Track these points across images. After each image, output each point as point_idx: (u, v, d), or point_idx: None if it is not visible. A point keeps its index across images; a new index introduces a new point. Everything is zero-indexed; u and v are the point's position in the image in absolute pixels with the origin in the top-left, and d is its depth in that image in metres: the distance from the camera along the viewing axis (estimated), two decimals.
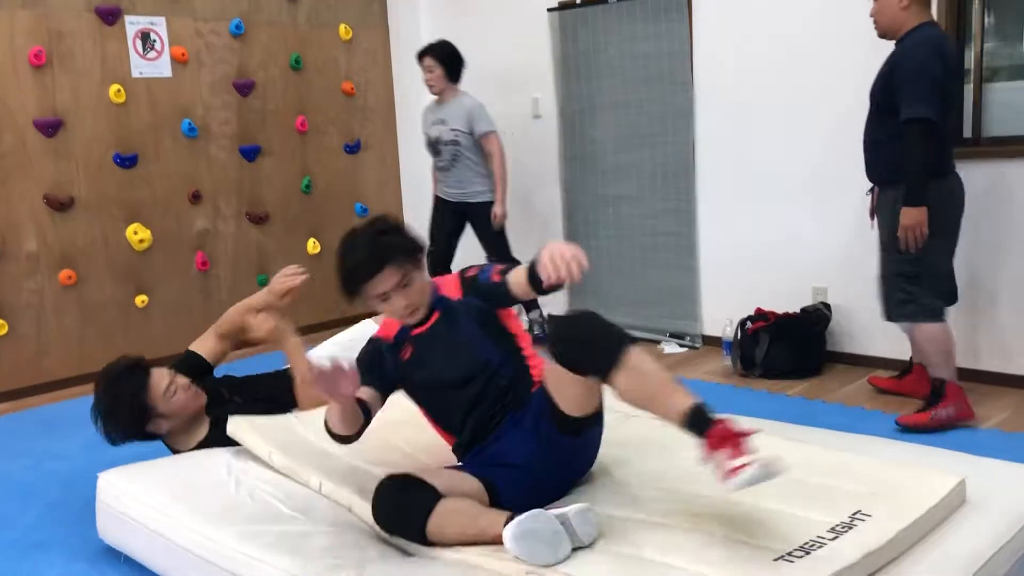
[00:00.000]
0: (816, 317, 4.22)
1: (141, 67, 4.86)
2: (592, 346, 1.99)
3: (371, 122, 5.94)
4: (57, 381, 4.62)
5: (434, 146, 4.80)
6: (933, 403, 3.39)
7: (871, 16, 3.39)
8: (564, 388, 2.10)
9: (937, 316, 3.38)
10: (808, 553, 1.80)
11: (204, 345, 3.11)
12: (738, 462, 1.78)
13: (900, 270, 3.38)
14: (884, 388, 3.82)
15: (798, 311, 4.29)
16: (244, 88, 5.27)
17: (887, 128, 3.32)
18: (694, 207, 4.73)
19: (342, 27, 5.70)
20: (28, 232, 4.52)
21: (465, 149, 4.68)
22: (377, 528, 2.17)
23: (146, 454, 2.81)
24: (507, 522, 1.93)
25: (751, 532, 1.92)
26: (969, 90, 3.85)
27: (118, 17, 4.75)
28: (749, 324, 4.26)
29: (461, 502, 2.06)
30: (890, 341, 4.11)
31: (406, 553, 2.11)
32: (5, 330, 4.46)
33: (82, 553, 2.67)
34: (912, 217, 3.22)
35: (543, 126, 5.38)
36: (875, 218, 3.53)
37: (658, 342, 4.91)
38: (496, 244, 4.84)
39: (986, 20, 3.79)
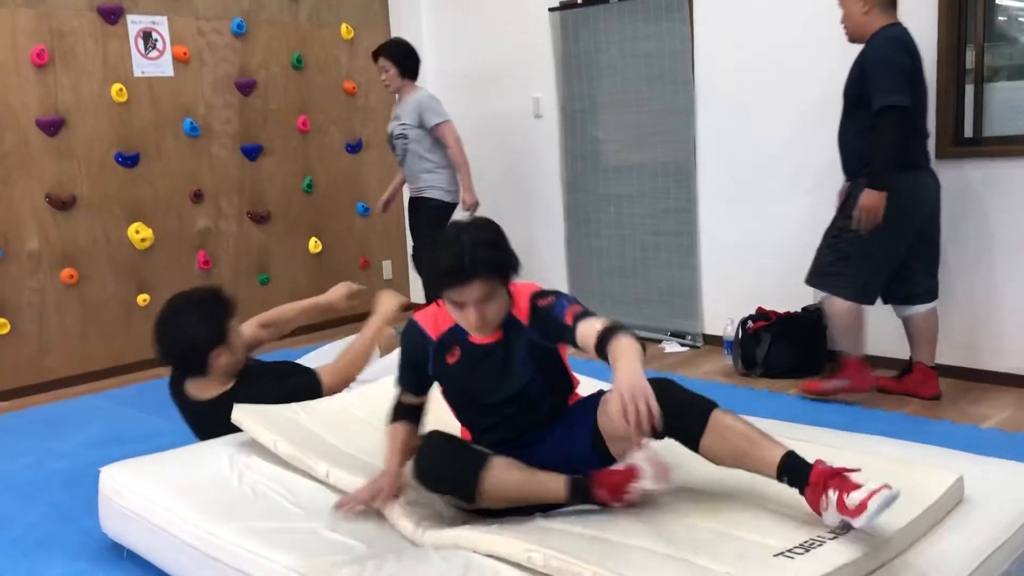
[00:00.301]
0: (817, 316, 4.21)
1: (143, 66, 4.86)
2: (676, 415, 1.98)
3: (372, 121, 5.94)
4: (59, 380, 4.63)
5: (390, 142, 4.81)
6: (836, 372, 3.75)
7: (841, 23, 3.55)
8: (621, 438, 2.07)
9: (853, 296, 3.55)
10: (808, 551, 1.80)
11: (243, 330, 3.25)
12: (860, 495, 1.79)
13: (836, 245, 3.56)
14: (884, 388, 3.83)
15: (799, 310, 4.29)
16: (246, 87, 5.27)
17: (858, 123, 3.48)
18: (695, 206, 4.73)
19: (344, 26, 5.71)
20: (30, 231, 4.53)
21: (413, 143, 4.65)
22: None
23: (149, 452, 2.82)
24: (566, 484, 2.07)
25: (752, 529, 1.93)
26: (970, 90, 3.85)
27: (120, 16, 4.76)
28: (750, 323, 4.27)
29: (512, 460, 2.13)
30: (890, 340, 4.12)
31: (411, 544, 2.11)
32: (7, 329, 4.47)
33: (84, 551, 2.67)
34: (871, 199, 3.35)
35: (544, 125, 5.38)
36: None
37: (659, 341, 4.92)
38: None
39: (986, 19, 3.79)
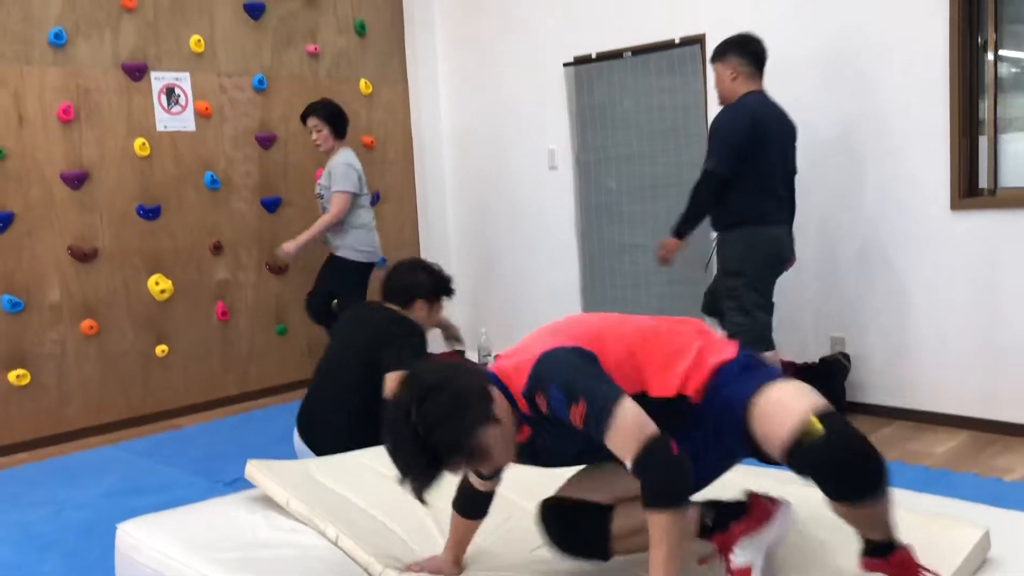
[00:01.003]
0: (835, 367, 4.20)
1: (165, 121, 4.96)
2: (844, 475, 1.66)
3: (390, 174, 6.02)
4: (77, 430, 4.65)
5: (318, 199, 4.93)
6: None
7: (714, 87, 3.85)
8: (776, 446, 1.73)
9: (764, 347, 3.75)
10: None
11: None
12: None
13: (735, 303, 3.80)
14: None
15: (816, 361, 4.27)
16: (266, 141, 5.36)
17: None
18: (709, 257, 4.74)
19: (362, 82, 5.81)
20: (52, 283, 4.59)
21: (327, 202, 4.75)
22: None
23: (166, 504, 2.82)
24: (702, 520, 1.86)
25: None
26: (984, 141, 3.88)
27: (144, 73, 4.87)
28: None
29: (631, 513, 1.86)
30: (909, 391, 4.10)
31: None
32: (27, 380, 4.50)
33: None
34: (669, 243, 3.85)
35: (559, 177, 5.44)
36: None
37: None
38: (317, 292, 4.89)
39: (999, 72, 3.83)
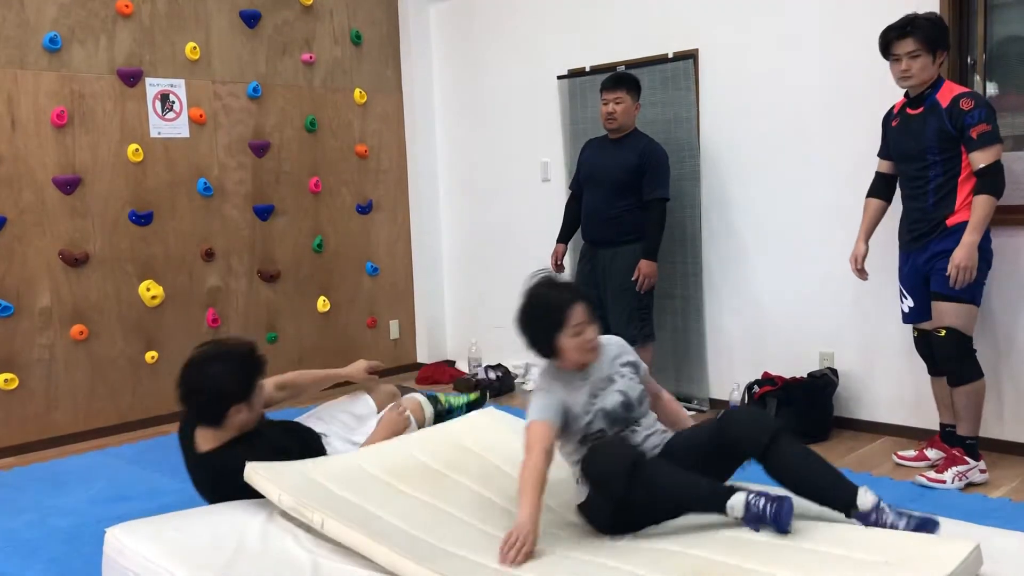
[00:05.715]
0: (823, 382, 4.22)
1: (159, 127, 4.96)
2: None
3: (383, 183, 6.03)
4: (65, 436, 4.63)
5: None
6: None
7: (612, 115, 4.36)
8: None
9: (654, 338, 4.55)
10: None
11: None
12: None
13: (642, 308, 4.41)
14: None
15: (805, 376, 4.29)
16: (260, 149, 5.37)
17: (628, 200, 4.35)
18: (700, 271, 4.77)
19: (357, 91, 5.83)
20: (43, 287, 4.58)
21: None
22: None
23: (153, 510, 2.81)
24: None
25: None
26: None
27: (139, 79, 4.88)
28: (756, 388, 4.26)
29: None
30: (896, 406, 4.12)
31: None
32: (15, 384, 4.48)
33: None
34: (653, 268, 4.33)
35: (551, 189, 5.46)
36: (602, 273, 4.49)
37: None
38: None
39: (988, 90, 3.87)
